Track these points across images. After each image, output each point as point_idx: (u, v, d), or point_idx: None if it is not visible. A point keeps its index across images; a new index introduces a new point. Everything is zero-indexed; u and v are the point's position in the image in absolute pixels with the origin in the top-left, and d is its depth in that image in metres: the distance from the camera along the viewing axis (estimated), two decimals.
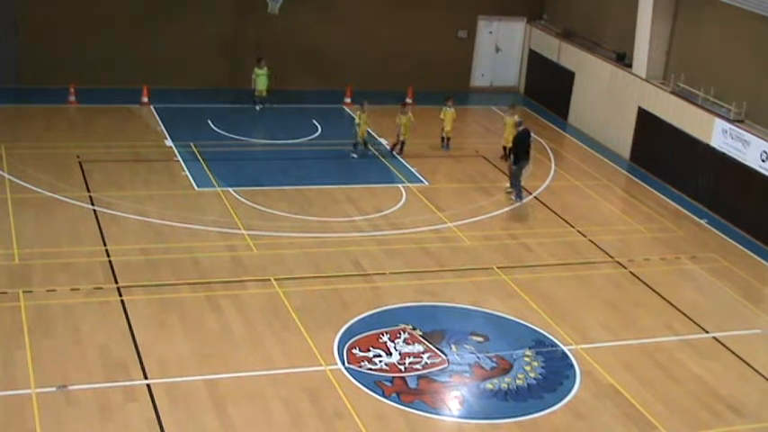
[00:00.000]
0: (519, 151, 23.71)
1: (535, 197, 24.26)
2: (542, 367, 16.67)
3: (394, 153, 26.24)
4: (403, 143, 26.29)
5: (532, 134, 24.60)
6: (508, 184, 24.23)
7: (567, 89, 30.64)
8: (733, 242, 22.79)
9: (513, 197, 23.80)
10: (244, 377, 15.53)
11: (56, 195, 21.62)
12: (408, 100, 29.72)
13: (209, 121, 27.45)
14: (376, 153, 26.11)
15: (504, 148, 26.00)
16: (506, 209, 23.38)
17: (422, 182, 24.54)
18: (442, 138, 27.15)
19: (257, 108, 28.91)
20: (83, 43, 28.70)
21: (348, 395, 15.31)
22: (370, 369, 16.08)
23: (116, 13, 28.92)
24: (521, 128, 24.00)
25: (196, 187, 22.93)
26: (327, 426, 14.52)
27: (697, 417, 15.69)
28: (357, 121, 25.84)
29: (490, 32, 33.08)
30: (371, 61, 31.22)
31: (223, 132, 26.87)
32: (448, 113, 26.90)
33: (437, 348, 16.92)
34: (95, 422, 14.07)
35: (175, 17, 29.40)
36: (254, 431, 14.28)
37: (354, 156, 25.65)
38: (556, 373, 16.53)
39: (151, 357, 15.76)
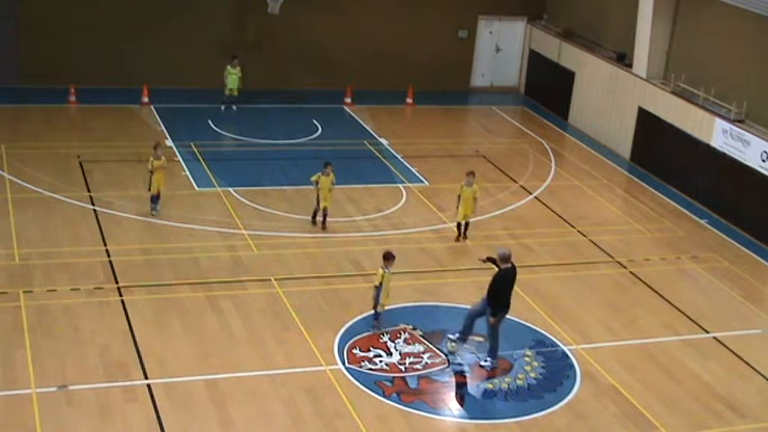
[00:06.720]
0: (499, 296, 16.41)
1: (535, 197, 24.26)
2: (542, 367, 16.67)
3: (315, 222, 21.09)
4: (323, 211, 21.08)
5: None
6: (453, 336, 16.92)
7: (567, 89, 30.64)
8: (733, 242, 22.79)
9: (482, 362, 16.62)
10: (244, 377, 15.52)
11: (56, 195, 21.62)
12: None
13: (209, 121, 27.45)
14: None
15: (459, 225, 21.22)
16: (507, 209, 23.36)
17: (422, 182, 24.52)
18: (458, 225, 21.35)
19: (222, 108, 28.36)
20: (83, 43, 28.70)
21: (348, 395, 15.30)
22: (371, 369, 16.07)
23: (116, 13, 28.91)
24: (507, 264, 16.38)
25: (196, 187, 22.93)
26: (327, 426, 14.52)
27: (697, 417, 15.68)
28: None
29: (490, 32, 33.07)
30: (371, 61, 31.21)
31: (223, 132, 26.88)
32: (466, 191, 20.89)
33: (437, 348, 16.92)
34: (95, 422, 14.06)
35: (176, 17, 29.39)
36: (254, 431, 14.28)
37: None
38: (556, 373, 16.52)
39: (151, 357, 15.76)
